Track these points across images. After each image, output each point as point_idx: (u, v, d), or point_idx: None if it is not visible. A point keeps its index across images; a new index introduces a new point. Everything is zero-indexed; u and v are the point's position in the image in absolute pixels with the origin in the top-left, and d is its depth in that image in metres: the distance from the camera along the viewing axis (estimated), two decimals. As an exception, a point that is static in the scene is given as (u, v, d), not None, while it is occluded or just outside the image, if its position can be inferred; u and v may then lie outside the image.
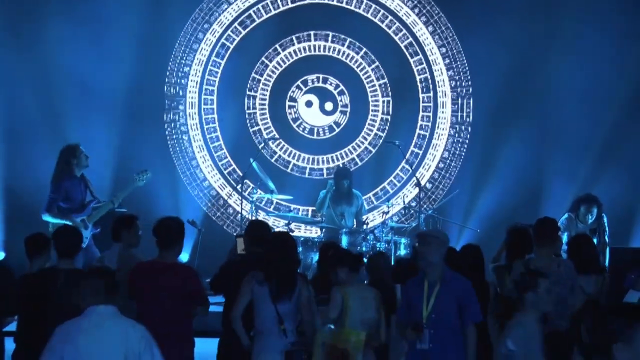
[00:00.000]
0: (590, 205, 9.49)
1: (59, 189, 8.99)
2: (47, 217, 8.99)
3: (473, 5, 11.79)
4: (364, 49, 12.10)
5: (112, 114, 11.43)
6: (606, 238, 9.46)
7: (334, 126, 12.19)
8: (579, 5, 11.72)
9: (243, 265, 6.49)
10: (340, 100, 12.18)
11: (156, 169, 10.54)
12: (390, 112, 12.17)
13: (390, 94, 12.16)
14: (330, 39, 12.11)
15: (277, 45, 12.08)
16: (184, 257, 11.01)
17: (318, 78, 12.19)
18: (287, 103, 12.18)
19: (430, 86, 12.16)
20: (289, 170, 12.11)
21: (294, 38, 12.09)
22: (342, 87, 12.17)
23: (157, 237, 6.40)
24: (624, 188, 11.20)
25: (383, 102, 12.18)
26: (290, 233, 10.43)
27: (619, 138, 11.64)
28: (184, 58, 11.99)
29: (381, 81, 12.16)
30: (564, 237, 9.16)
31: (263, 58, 12.09)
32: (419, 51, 12.13)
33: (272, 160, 12.05)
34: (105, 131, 11.29)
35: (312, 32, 12.09)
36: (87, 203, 9.09)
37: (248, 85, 12.11)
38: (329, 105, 12.21)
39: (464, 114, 12.14)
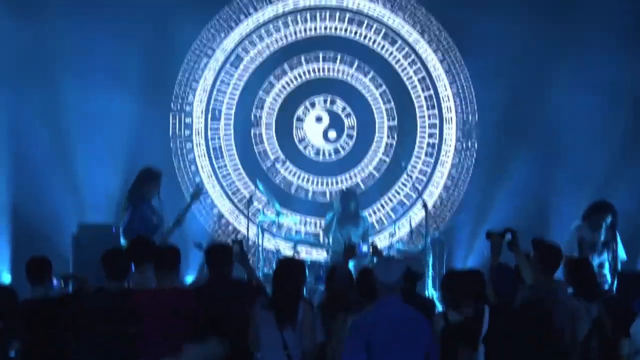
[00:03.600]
0: (604, 213, 9.32)
1: (136, 213, 8.93)
2: (127, 242, 8.88)
3: (480, 30, 11.78)
4: (372, 73, 12.13)
5: (118, 137, 11.44)
6: (618, 254, 9.35)
7: (340, 149, 12.19)
8: (586, 28, 11.70)
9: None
10: (348, 123, 12.18)
11: (162, 190, 10.55)
12: (395, 137, 12.18)
13: (396, 116, 12.16)
14: (338, 60, 12.13)
15: (285, 65, 12.12)
16: (189, 278, 11.00)
17: (326, 100, 12.21)
18: (295, 123, 12.19)
19: (436, 111, 12.17)
20: (293, 193, 12.11)
21: (302, 58, 12.13)
22: (349, 109, 12.18)
23: (156, 263, 6.45)
24: (630, 211, 11.14)
25: (389, 127, 12.19)
26: (297, 256, 10.46)
27: (626, 161, 11.63)
28: (188, 85, 12.01)
29: (387, 105, 12.17)
30: (574, 243, 9.12)
31: (271, 78, 12.13)
32: (425, 76, 12.15)
33: (277, 182, 12.05)
34: (111, 153, 11.30)
35: (320, 53, 12.12)
36: (157, 225, 9.04)
37: (255, 104, 12.13)
38: (332, 134, 12.21)
39: (470, 138, 12.13)
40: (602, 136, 11.74)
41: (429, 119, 12.20)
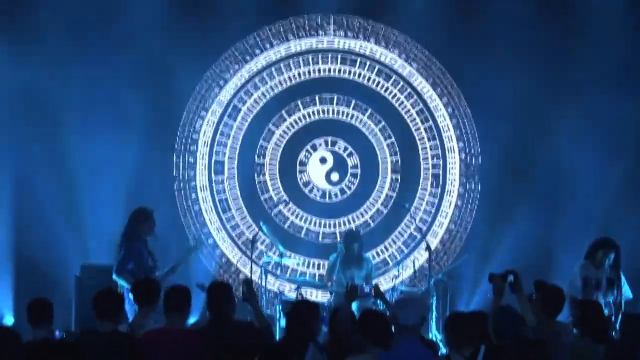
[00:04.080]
0: (608, 250, 9.29)
1: (131, 251, 9.03)
2: (119, 280, 9.02)
3: (482, 73, 11.84)
4: (369, 110, 12.18)
5: (121, 179, 11.46)
6: (624, 292, 9.32)
7: (346, 189, 12.21)
8: (588, 72, 11.76)
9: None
10: (350, 163, 12.21)
11: (166, 233, 10.59)
12: (399, 182, 12.21)
13: (398, 153, 12.20)
14: (335, 101, 12.20)
15: (283, 112, 12.18)
16: (192, 319, 10.97)
17: (327, 142, 12.25)
18: (298, 167, 12.23)
19: (440, 152, 12.21)
20: (295, 233, 12.11)
21: (299, 103, 12.19)
22: (351, 149, 12.22)
23: (166, 303, 6.42)
24: (633, 257, 11.09)
25: (392, 160, 12.22)
26: (300, 297, 10.44)
27: (629, 204, 11.64)
28: (190, 137, 12.07)
29: (388, 140, 12.21)
30: (578, 282, 9.09)
31: (270, 125, 12.19)
32: (429, 117, 12.20)
33: (282, 224, 12.06)
34: (114, 199, 11.31)
35: (316, 96, 12.18)
36: (152, 267, 9.13)
37: (257, 152, 12.18)
38: (335, 176, 12.24)
39: (473, 180, 12.16)
40: (605, 179, 11.75)
41: (432, 159, 12.23)
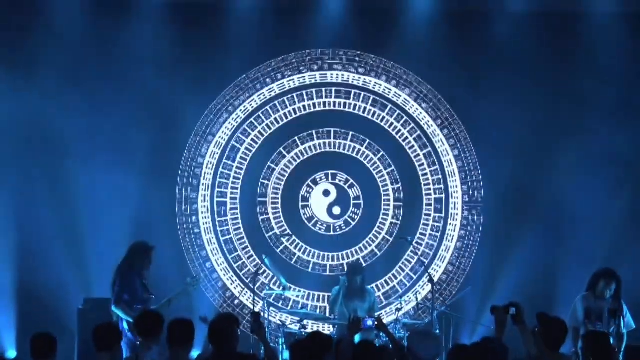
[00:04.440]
0: (609, 280, 9.32)
1: (125, 282, 9.17)
2: (117, 311, 9.14)
3: (484, 106, 11.89)
4: (368, 141, 12.23)
5: (124, 213, 11.47)
6: (623, 325, 9.31)
7: (350, 220, 12.22)
8: (588, 105, 11.81)
9: None
10: (352, 194, 12.24)
11: (169, 269, 10.62)
12: (402, 210, 12.23)
13: (399, 181, 12.23)
14: (332, 135, 12.25)
15: (281, 149, 12.23)
16: (195, 353, 10.94)
17: (327, 175, 12.28)
18: (300, 203, 12.25)
19: (442, 184, 12.24)
20: (302, 268, 12.12)
21: (296, 139, 12.23)
22: (352, 181, 12.25)
23: (170, 336, 6.42)
24: (636, 289, 11.07)
25: (393, 188, 12.24)
26: (304, 330, 10.43)
27: (631, 235, 11.64)
28: (195, 160, 12.12)
29: (389, 169, 12.24)
30: (580, 313, 9.09)
31: (269, 163, 12.24)
32: (432, 151, 12.24)
33: (286, 257, 12.07)
34: (117, 228, 11.33)
35: (313, 131, 12.23)
36: (147, 299, 9.26)
37: (258, 191, 12.21)
38: (336, 210, 12.26)
39: (476, 213, 12.17)
40: (607, 211, 11.77)
41: (435, 193, 12.26)
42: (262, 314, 10.30)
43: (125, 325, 9.12)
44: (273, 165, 12.25)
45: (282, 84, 12.22)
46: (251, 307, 11.22)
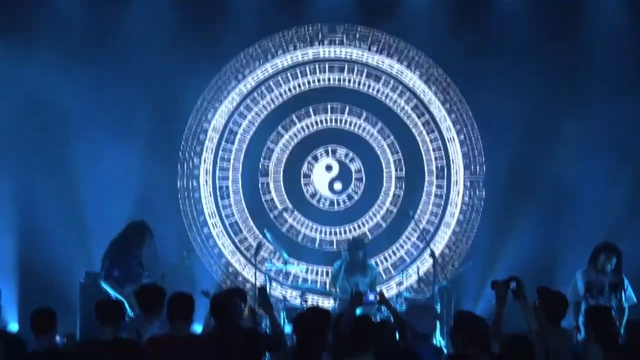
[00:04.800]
0: (609, 254, 9.34)
1: (116, 258, 9.22)
2: (106, 286, 9.17)
3: (487, 80, 11.86)
4: (365, 113, 12.22)
5: (125, 188, 11.47)
6: (624, 299, 9.34)
7: (353, 194, 12.20)
8: (593, 86, 11.77)
9: None
10: (354, 168, 12.22)
11: (170, 241, 10.63)
12: (404, 174, 12.22)
13: (402, 160, 12.22)
14: (329, 110, 12.23)
15: (294, 116, 12.20)
16: (198, 328, 10.99)
17: (327, 151, 12.26)
18: (302, 180, 12.24)
19: (444, 160, 12.23)
20: (301, 241, 12.13)
21: (293, 116, 12.21)
22: (352, 154, 12.23)
23: (170, 310, 6.44)
24: (638, 259, 11.10)
25: (395, 160, 12.23)
26: (305, 305, 10.45)
27: (632, 213, 11.64)
28: (196, 137, 12.10)
29: (388, 139, 12.22)
30: (580, 287, 9.11)
31: (279, 128, 12.20)
32: (434, 127, 12.22)
33: (284, 231, 12.09)
34: (118, 203, 11.33)
35: (310, 108, 12.20)
36: (139, 275, 9.27)
37: (262, 154, 12.20)
38: (337, 185, 12.25)
39: (477, 186, 12.17)
40: (609, 186, 11.76)
41: (437, 168, 12.24)
42: (267, 288, 10.33)
43: None
44: (272, 145, 12.22)
45: (285, 59, 12.17)
46: (252, 281, 11.25)
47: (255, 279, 10.90)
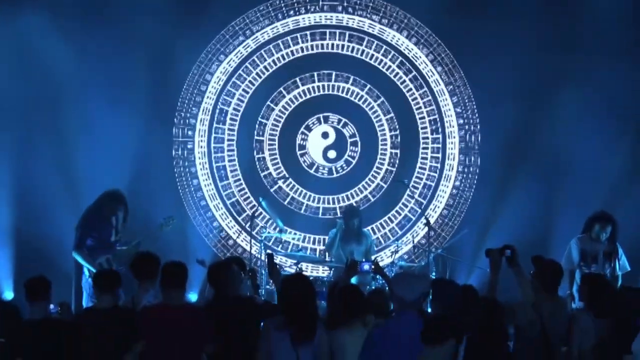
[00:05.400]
0: (604, 223, 9.37)
1: (89, 227, 9.18)
2: (77, 257, 9.15)
3: (482, 45, 11.79)
4: (369, 86, 12.16)
5: (121, 156, 11.44)
6: (617, 267, 9.38)
7: (350, 159, 12.19)
8: (590, 44, 11.69)
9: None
10: (347, 133, 12.20)
11: (165, 209, 10.61)
12: (399, 147, 12.20)
13: (397, 128, 12.19)
14: (333, 78, 12.16)
15: (281, 89, 12.16)
16: (193, 297, 11.01)
17: (319, 119, 12.23)
18: (298, 152, 12.22)
19: (439, 128, 12.20)
20: (295, 209, 12.13)
21: (297, 80, 12.15)
22: (344, 120, 12.20)
23: (163, 279, 6.45)
24: (634, 230, 11.10)
25: (391, 136, 12.21)
26: (301, 272, 10.47)
27: (629, 180, 11.63)
28: (189, 111, 12.06)
29: (388, 116, 12.19)
30: (575, 255, 9.15)
31: (269, 102, 12.16)
32: (428, 93, 12.19)
33: (277, 196, 12.08)
34: (114, 172, 11.30)
35: (315, 73, 12.15)
36: (113, 243, 9.24)
37: (256, 131, 12.17)
38: (332, 154, 12.23)
39: (472, 154, 12.16)
40: (606, 156, 11.71)
41: (432, 134, 12.22)
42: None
43: (86, 272, 9.13)
44: (272, 105, 12.19)
45: (287, 23, 12.11)
46: (247, 248, 11.25)
47: (251, 247, 10.89)
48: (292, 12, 12.11)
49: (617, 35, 11.68)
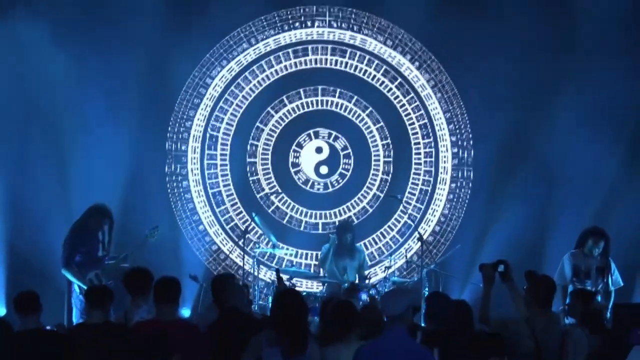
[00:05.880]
0: (597, 239, 9.39)
1: (79, 243, 9.16)
2: (67, 274, 9.14)
3: (475, 60, 11.80)
4: (356, 97, 12.17)
5: (114, 172, 11.42)
6: (610, 283, 9.39)
7: (344, 172, 12.18)
8: (588, 59, 11.69)
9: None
10: (339, 146, 12.20)
11: (158, 224, 10.59)
12: (391, 164, 12.20)
13: (388, 136, 12.19)
14: (320, 92, 12.18)
15: (269, 109, 12.16)
16: (186, 312, 10.99)
17: (309, 135, 12.23)
18: (292, 169, 12.21)
19: (432, 141, 12.21)
20: (290, 226, 12.11)
21: (284, 99, 12.17)
22: (335, 133, 12.21)
23: (155, 294, 6.44)
24: (625, 246, 11.10)
25: (383, 145, 12.21)
26: (294, 288, 10.44)
27: (622, 193, 11.63)
28: (182, 125, 12.06)
29: (377, 125, 12.19)
30: (568, 271, 9.15)
31: (258, 123, 12.18)
32: (420, 107, 12.20)
33: (272, 213, 12.07)
34: (107, 188, 11.28)
35: (300, 90, 12.16)
36: (102, 257, 9.21)
37: (248, 150, 12.17)
38: (324, 169, 12.23)
39: (465, 168, 12.17)
40: (599, 170, 11.71)
41: (425, 147, 12.23)
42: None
43: (76, 289, 9.11)
44: (262, 126, 12.19)
45: (278, 39, 12.13)
46: (240, 264, 11.24)
47: (244, 262, 10.88)
48: (272, 32, 12.12)
49: (617, 35, 11.64)
